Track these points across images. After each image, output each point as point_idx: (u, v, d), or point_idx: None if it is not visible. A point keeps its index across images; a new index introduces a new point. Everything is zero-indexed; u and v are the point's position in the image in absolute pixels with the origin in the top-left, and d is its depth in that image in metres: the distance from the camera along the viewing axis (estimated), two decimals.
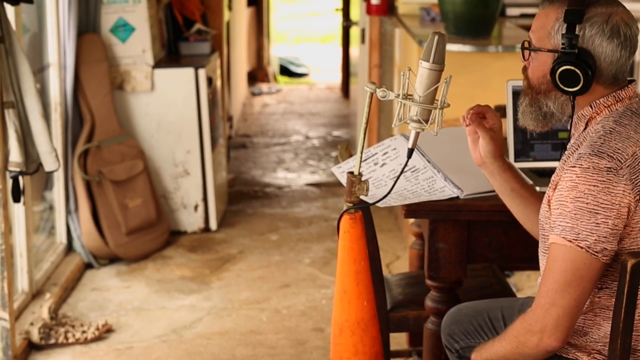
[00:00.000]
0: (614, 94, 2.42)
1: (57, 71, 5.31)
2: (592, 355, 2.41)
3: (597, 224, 2.26)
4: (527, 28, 5.98)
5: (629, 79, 2.46)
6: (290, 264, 5.54)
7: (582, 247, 2.26)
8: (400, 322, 3.29)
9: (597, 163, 2.27)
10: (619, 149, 2.29)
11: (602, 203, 2.25)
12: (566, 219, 2.28)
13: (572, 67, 2.36)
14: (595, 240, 2.26)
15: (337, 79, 12.67)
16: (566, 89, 2.39)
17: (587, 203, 2.26)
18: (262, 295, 5.04)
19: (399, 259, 5.58)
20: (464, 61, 5.14)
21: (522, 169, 3.10)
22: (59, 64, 5.32)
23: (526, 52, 2.49)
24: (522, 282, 5.11)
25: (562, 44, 2.37)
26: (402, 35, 6.00)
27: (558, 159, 3.18)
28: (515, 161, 3.19)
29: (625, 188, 2.26)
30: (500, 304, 2.85)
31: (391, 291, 3.42)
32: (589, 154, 2.29)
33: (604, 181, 2.25)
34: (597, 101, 2.42)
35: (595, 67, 2.37)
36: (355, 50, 8.54)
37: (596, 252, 2.27)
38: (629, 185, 2.26)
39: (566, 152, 2.44)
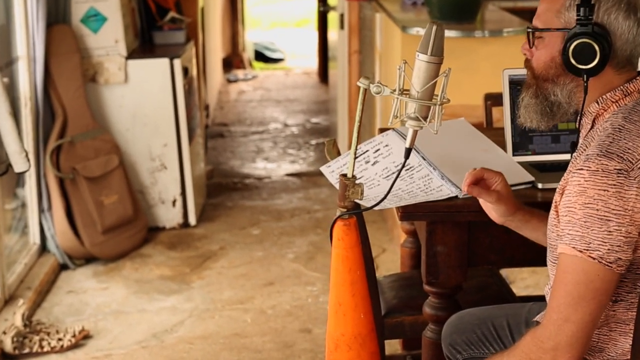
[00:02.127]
0: (621, 87, 2.23)
1: (26, 64, 5.10)
2: None
3: (609, 232, 2.06)
4: (511, 11, 5.85)
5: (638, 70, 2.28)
6: (273, 260, 5.35)
7: (594, 258, 2.07)
8: (396, 329, 3.11)
9: (607, 165, 2.07)
10: (629, 149, 2.10)
11: (613, 209, 2.06)
12: (575, 227, 2.09)
13: (588, 40, 2.18)
14: (608, 250, 2.07)
15: (313, 64, 12.50)
16: (580, 66, 2.20)
17: (597, 210, 2.07)
18: (246, 294, 4.85)
19: (385, 252, 5.41)
20: (449, 47, 4.89)
21: (521, 163, 2.93)
22: (27, 56, 5.11)
23: (534, 40, 2.29)
24: (514, 275, 4.94)
25: (578, 16, 2.19)
26: (383, 20, 5.82)
27: (558, 152, 3.06)
28: (514, 155, 3.03)
29: (638, 192, 2.06)
30: (505, 312, 2.67)
31: (384, 294, 3.24)
32: (597, 154, 2.10)
33: (614, 185, 2.06)
34: (604, 96, 2.24)
35: (610, 44, 2.19)
36: (333, 34, 8.34)
37: (610, 262, 2.07)
38: None
39: (574, 154, 2.25)
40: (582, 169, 2.10)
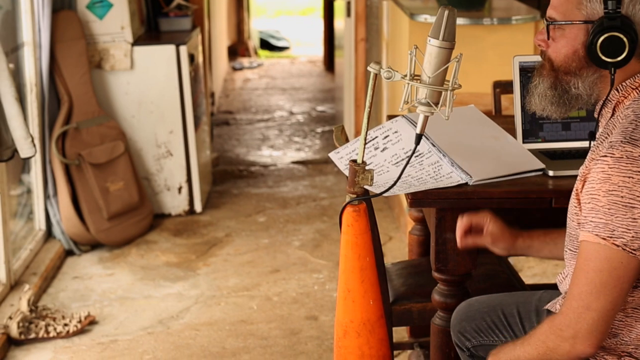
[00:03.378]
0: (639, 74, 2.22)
1: (31, 50, 5.08)
2: (622, 359, 2.22)
3: (634, 219, 2.05)
4: None
5: None
6: (279, 247, 5.34)
7: (618, 246, 2.05)
8: (404, 316, 3.09)
9: (631, 151, 2.06)
10: None
11: (638, 196, 2.05)
12: (599, 214, 2.07)
13: (617, 34, 2.16)
14: (633, 237, 2.05)
15: (319, 52, 12.46)
16: (608, 59, 2.18)
17: (622, 196, 2.05)
18: (252, 281, 4.84)
19: (391, 240, 5.39)
20: (457, 34, 4.93)
21: (532, 151, 2.90)
22: (33, 42, 5.09)
23: (551, 31, 2.26)
24: (521, 263, 4.93)
25: (605, 9, 2.17)
26: (390, 8, 5.79)
27: (569, 139, 3.04)
28: (524, 142, 3.00)
29: None
30: (516, 299, 2.65)
31: (392, 282, 3.22)
32: (621, 141, 2.08)
33: (639, 171, 2.05)
34: (624, 83, 2.22)
35: (637, 35, 2.17)
36: (339, 22, 8.32)
37: (634, 250, 2.06)
38: None
39: (595, 143, 2.23)
40: (606, 156, 2.08)
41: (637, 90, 2.21)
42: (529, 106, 2.38)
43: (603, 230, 2.07)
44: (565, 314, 2.13)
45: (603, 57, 2.19)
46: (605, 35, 2.17)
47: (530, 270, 4.87)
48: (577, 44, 2.23)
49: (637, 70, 2.23)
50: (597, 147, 2.17)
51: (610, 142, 2.10)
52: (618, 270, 2.07)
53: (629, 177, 2.05)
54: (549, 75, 2.29)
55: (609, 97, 2.23)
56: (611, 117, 2.23)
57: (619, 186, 2.05)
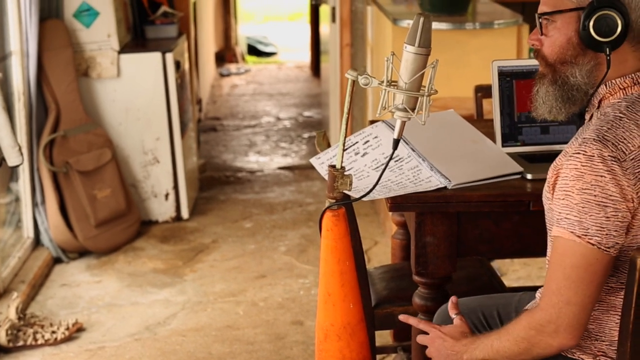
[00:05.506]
0: (632, 75, 2.25)
1: (19, 59, 5.12)
2: (597, 358, 2.26)
3: (607, 217, 2.10)
4: (503, 3, 5.87)
5: None
6: (265, 253, 5.37)
7: (593, 244, 2.11)
8: (386, 320, 3.12)
9: (602, 151, 2.10)
10: (625, 139, 2.14)
11: (610, 195, 2.10)
12: (573, 211, 2.13)
13: (608, 11, 2.19)
14: (606, 235, 2.11)
15: (306, 57, 12.50)
16: (602, 39, 2.21)
17: (594, 195, 2.10)
18: (238, 287, 4.87)
19: (377, 245, 5.43)
20: (440, 39, 4.96)
21: (511, 154, 2.95)
22: (21, 51, 5.12)
23: (544, 26, 2.28)
24: (505, 267, 4.97)
25: None
26: (374, 14, 5.83)
27: (547, 143, 3.08)
28: (503, 146, 3.04)
29: (628, 182, 2.10)
30: (495, 301, 2.69)
31: (375, 286, 3.25)
32: (594, 139, 2.13)
33: (610, 171, 2.09)
34: (613, 81, 2.25)
35: (628, 15, 2.21)
36: (325, 28, 8.35)
37: (608, 247, 2.12)
38: (632, 180, 2.11)
39: (576, 134, 2.27)
40: (578, 153, 2.13)
41: (624, 91, 2.25)
42: (535, 113, 2.37)
43: (578, 228, 2.12)
44: (545, 309, 2.17)
45: (597, 37, 2.21)
46: (598, 14, 2.20)
47: (515, 273, 4.91)
48: (570, 32, 2.26)
49: (630, 67, 2.26)
50: (573, 142, 2.21)
51: (584, 138, 2.15)
52: (594, 265, 2.12)
53: (601, 176, 2.10)
54: (547, 72, 2.31)
55: (598, 90, 2.26)
56: (596, 109, 2.27)
57: (591, 185, 2.10)
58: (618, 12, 2.20)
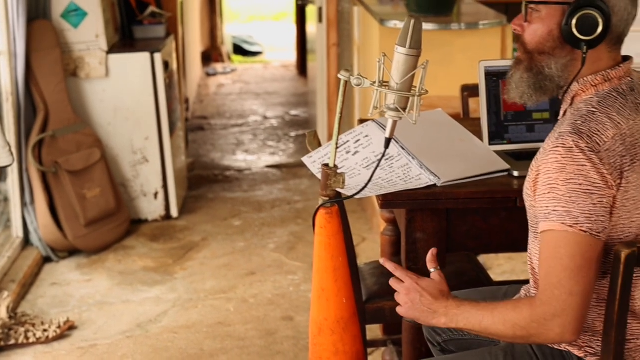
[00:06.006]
0: (603, 72, 2.32)
1: (7, 60, 5.14)
2: (582, 349, 2.32)
3: (594, 204, 2.16)
4: (487, 3, 5.92)
5: (624, 55, 2.36)
6: (254, 250, 5.42)
7: (585, 231, 2.16)
8: (377, 314, 3.18)
9: (578, 142, 2.17)
10: (598, 131, 2.20)
11: (594, 182, 2.16)
12: (561, 203, 2.18)
13: (592, 12, 2.25)
14: (595, 221, 2.17)
15: (292, 57, 12.54)
16: (582, 37, 2.27)
17: (579, 184, 2.16)
18: (228, 284, 4.92)
19: (365, 241, 5.48)
20: (426, 39, 5.00)
21: (497, 152, 3.01)
22: (9, 52, 5.14)
23: (529, 14, 2.34)
24: (490, 261, 5.03)
25: None
26: (361, 14, 5.88)
27: (533, 141, 3.14)
28: (490, 144, 3.10)
29: (608, 171, 2.17)
30: (483, 295, 2.74)
31: (365, 281, 3.31)
32: (570, 132, 2.20)
33: (589, 160, 2.16)
34: (585, 79, 2.32)
35: (610, 18, 2.27)
36: (312, 27, 8.40)
37: (598, 233, 2.18)
38: (609, 170, 2.17)
39: (552, 131, 2.33)
40: (557, 147, 2.19)
41: (595, 88, 2.31)
42: (507, 96, 2.44)
43: (568, 218, 2.17)
44: (549, 303, 2.19)
45: (577, 35, 2.27)
46: (582, 12, 2.26)
47: (500, 267, 4.97)
48: (553, 24, 2.32)
49: (603, 66, 2.32)
50: (549, 138, 2.27)
51: (560, 132, 2.22)
52: (589, 252, 2.17)
53: (583, 165, 2.16)
54: (524, 58, 2.37)
55: (571, 87, 2.33)
56: (569, 106, 2.33)
57: (575, 174, 2.16)
58: (601, 13, 2.26)
